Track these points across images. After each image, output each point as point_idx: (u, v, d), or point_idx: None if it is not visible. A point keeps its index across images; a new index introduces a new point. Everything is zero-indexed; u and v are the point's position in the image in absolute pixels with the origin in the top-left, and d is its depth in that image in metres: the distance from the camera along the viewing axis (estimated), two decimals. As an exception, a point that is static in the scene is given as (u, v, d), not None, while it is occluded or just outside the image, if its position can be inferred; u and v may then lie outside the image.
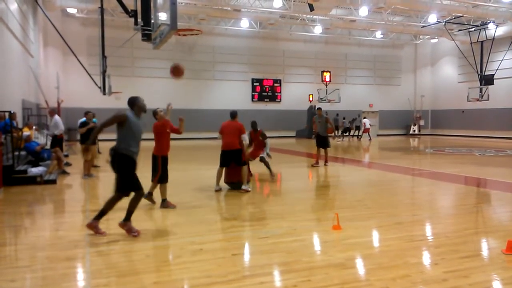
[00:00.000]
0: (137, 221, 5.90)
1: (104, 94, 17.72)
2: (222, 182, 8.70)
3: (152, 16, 9.05)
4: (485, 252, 4.88)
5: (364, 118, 29.24)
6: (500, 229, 5.81)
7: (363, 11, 24.13)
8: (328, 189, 9.77)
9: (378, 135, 32.24)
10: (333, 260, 4.42)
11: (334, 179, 11.24)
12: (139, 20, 9.48)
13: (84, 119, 11.03)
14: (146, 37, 9.33)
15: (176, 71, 7.63)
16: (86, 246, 4.94)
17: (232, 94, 29.45)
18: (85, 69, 16.78)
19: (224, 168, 8.62)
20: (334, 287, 3.70)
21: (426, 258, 4.62)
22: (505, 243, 4.66)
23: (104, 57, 17.23)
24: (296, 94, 31.06)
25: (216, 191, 8.50)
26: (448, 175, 11.03)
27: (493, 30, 26.32)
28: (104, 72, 17.33)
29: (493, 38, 26.26)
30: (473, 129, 30.40)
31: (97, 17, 18.80)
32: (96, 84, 17.09)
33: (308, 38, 31.07)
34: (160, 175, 6.93)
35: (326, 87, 28.94)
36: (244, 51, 30.02)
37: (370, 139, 27.75)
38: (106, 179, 10.60)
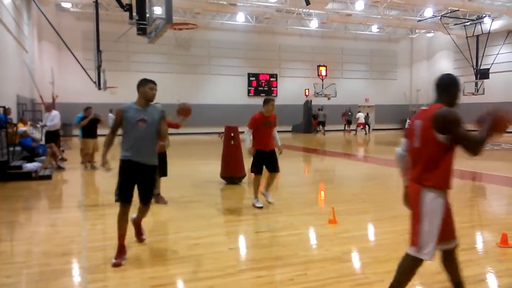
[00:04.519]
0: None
1: (100, 89, 17.65)
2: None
3: (147, 10, 9.00)
4: (480, 245, 4.92)
5: (359, 112, 29.23)
6: (495, 222, 5.85)
7: (359, 5, 24.11)
8: (324, 183, 9.79)
9: (373, 129, 32.28)
10: (329, 254, 4.43)
11: (330, 173, 11.26)
12: (134, 14, 9.44)
13: (81, 114, 11.17)
14: (141, 31, 9.30)
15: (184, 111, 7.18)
16: (82, 241, 4.93)
17: (228, 89, 29.36)
18: (80, 64, 16.66)
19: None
20: (331, 281, 3.71)
21: (422, 251, 4.63)
22: (500, 236, 4.70)
23: (99, 51, 17.13)
24: (292, 88, 31.00)
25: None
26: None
27: (488, 24, 26.33)
28: (99, 67, 17.24)
29: (489, 32, 26.28)
30: (469, 123, 30.24)
31: (91, 11, 18.68)
32: (91, 79, 17.00)
33: (304, 32, 30.97)
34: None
35: (322, 81, 28.94)
36: (240, 45, 29.89)
37: (366, 133, 27.78)
38: (101, 174, 10.58)
